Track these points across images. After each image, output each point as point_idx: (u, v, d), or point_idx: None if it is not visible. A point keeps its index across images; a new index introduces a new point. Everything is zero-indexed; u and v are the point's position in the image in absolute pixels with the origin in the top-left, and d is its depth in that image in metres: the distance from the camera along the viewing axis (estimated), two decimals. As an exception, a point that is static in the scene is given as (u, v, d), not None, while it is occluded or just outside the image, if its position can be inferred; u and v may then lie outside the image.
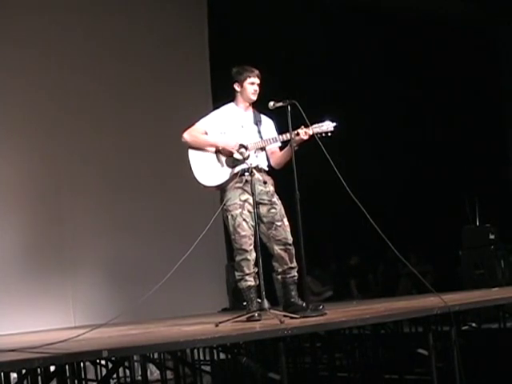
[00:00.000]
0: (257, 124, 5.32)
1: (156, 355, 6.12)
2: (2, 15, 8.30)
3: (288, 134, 5.08)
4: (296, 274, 5.17)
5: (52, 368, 4.31)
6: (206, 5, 9.93)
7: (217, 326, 4.70)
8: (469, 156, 11.29)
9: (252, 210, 5.02)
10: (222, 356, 5.94)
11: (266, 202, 5.19)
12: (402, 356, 5.79)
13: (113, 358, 4.31)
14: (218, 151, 5.27)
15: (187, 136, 5.30)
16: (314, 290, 11.06)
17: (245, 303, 5.21)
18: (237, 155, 5.16)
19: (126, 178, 8.97)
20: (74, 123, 8.68)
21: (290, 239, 5.18)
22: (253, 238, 5.08)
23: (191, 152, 5.29)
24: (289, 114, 4.94)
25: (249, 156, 5.14)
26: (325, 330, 5.22)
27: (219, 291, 9.22)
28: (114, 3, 9.19)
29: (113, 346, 3.68)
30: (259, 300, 4.92)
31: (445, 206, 10.91)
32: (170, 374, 6.49)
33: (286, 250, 5.17)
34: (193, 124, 5.35)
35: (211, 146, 5.26)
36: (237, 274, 5.21)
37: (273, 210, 5.19)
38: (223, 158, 5.25)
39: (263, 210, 5.17)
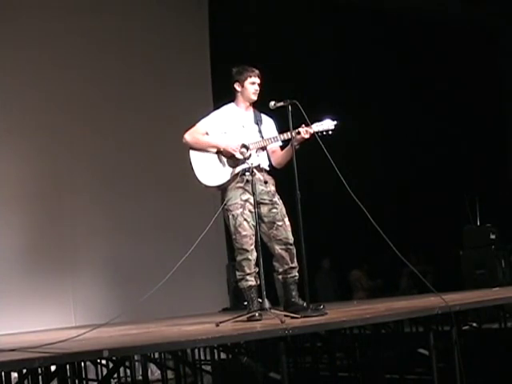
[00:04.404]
0: (257, 123, 5.32)
1: (157, 355, 6.13)
2: (2, 16, 8.30)
3: (289, 133, 5.08)
4: (297, 273, 5.18)
5: (53, 368, 4.31)
6: (206, 5, 9.94)
7: (217, 325, 4.70)
8: (469, 156, 11.29)
9: (253, 210, 5.02)
10: (223, 356, 5.93)
11: (266, 201, 5.19)
12: (402, 356, 5.78)
13: (113, 358, 4.30)
14: (219, 151, 5.27)
15: (188, 137, 5.30)
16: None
17: (245, 303, 5.22)
18: (238, 155, 5.16)
19: (126, 178, 8.97)
20: (74, 123, 8.69)
21: (291, 239, 5.18)
22: (254, 238, 5.08)
23: (192, 152, 5.29)
24: (289, 114, 4.93)
25: (250, 156, 5.14)
26: (325, 330, 5.21)
27: (220, 291, 9.23)
28: (113, 3, 9.19)
29: (113, 346, 3.67)
30: (260, 300, 4.92)
31: (445, 206, 10.91)
32: (170, 374, 6.50)
33: (286, 250, 5.17)
34: (193, 125, 5.35)
35: (213, 147, 5.25)
36: (238, 273, 5.21)
37: (274, 210, 5.19)
38: (224, 158, 5.25)
39: (264, 209, 5.17)
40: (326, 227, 10.62)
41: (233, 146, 5.18)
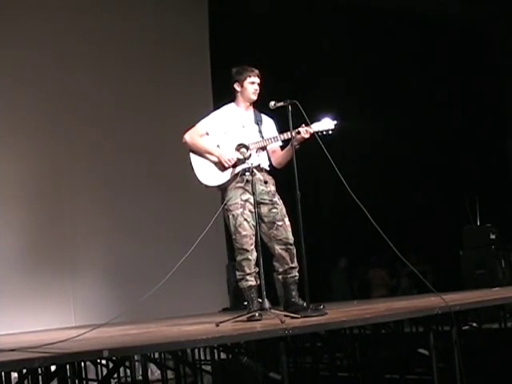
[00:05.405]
0: (258, 123, 5.31)
1: (157, 355, 6.12)
2: (2, 16, 8.30)
3: (289, 133, 5.07)
4: (297, 273, 5.17)
5: (53, 368, 4.31)
6: (206, 5, 9.94)
7: (217, 325, 4.70)
8: (469, 156, 11.29)
9: (253, 210, 5.02)
10: (223, 356, 5.93)
11: (267, 201, 5.19)
12: (402, 356, 5.78)
13: (113, 358, 4.29)
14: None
15: (188, 138, 5.30)
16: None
17: (245, 303, 5.21)
18: (227, 165, 5.15)
19: (126, 178, 8.97)
20: (73, 123, 8.69)
21: (291, 239, 5.18)
22: (254, 238, 5.08)
23: (193, 152, 5.29)
24: (289, 114, 4.93)
25: (250, 156, 5.14)
26: (325, 330, 5.20)
27: (220, 291, 9.23)
28: (114, 3, 9.19)
29: (113, 346, 3.67)
30: (260, 300, 4.92)
31: (445, 206, 10.91)
32: (170, 374, 6.50)
33: (286, 250, 5.17)
34: (193, 125, 5.35)
35: (208, 153, 5.25)
36: (238, 273, 5.21)
37: (274, 210, 5.19)
38: (224, 159, 5.25)
39: (264, 209, 5.17)
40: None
41: (226, 157, 5.17)
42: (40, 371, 5.03)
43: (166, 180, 9.10)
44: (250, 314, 4.89)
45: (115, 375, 6.24)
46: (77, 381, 5.42)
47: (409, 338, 6.20)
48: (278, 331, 4.01)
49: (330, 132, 5.19)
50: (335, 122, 5.22)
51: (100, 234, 8.73)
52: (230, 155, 5.18)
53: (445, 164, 11.37)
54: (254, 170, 4.99)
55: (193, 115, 5.57)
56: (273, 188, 5.27)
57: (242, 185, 5.16)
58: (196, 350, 6.36)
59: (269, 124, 5.40)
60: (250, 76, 5.27)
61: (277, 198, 5.24)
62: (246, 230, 5.12)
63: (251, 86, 5.28)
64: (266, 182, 5.17)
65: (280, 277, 5.20)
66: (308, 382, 6.21)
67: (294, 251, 5.17)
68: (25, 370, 4.61)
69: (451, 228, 9.51)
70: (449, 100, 11.43)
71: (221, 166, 5.21)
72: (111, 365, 4.93)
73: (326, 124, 5.21)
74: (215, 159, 5.23)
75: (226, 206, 5.19)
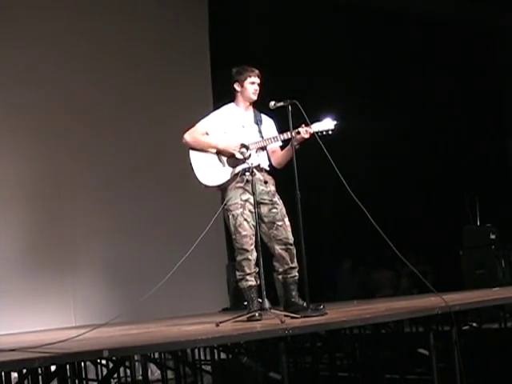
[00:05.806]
0: (257, 123, 5.32)
1: (157, 355, 6.13)
2: (2, 16, 8.30)
3: (289, 133, 5.08)
4: (297, 273, 5.18)
5: (53, 368, 4.31)
6: (206, 5, 9.94)
7: (217, 325, 4.70)
8: (469, 156, 11.29)
9: (253, 210, 5.02)
10: (223, 356, 5.93)
11: (267, 201, 5.19)
12: (402, 356, 5.78)
13: (113, 358, 4.30)
14: (219, 151, 5.27)
15: (188, 137, 5.30)
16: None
17: (245, 303, 5.22)
18: (238, 155, 5.16)
19: (126, 178, 8.97)
20: (74, 123, 8.69)
21: (291, 239, 5.19)
22: (254, 238, 5.08)
23: (192, 152, 5.29)
24: (289, 114, 4.94)
25: (250, 156, 5.14)
26: (325, 330, 5.21)
27: (220, 291, 9.22)
28: (114, 3, 9.19)
29: (113, 346, 3.67)
30: (260, 300, 4.92)
31: (445, 206, 10.91)
32: (170, 374, 6.50)
33: (286, 250, 5.17)
34: (193, 125, 5.35)
35: (212, 147, 5.26)
36: (238, 273, 5.22)
37: (274, 210, 5.19)
38: (224, 158, 5.25)
39: (264, 209, 5.18)
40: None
41: (232, 145, 5.18)
42: (40, 371, 5.03)
43: (166, 180, 9.10)
44: (250, 314, 4.89)
45: (115, 375, 6.24)
46: (77, 381, 5.42)
47: (409, 338, 6.20)
48: (278, 331, 4.02)
49: (330, 132, 5.20)
50: (335, 122, 5.23)
51: (100, 234, 8.72)
52: (235, 144, 5.17)
53: (445, 164, 11.36)
54: (254, 170, 5.00)
55: (193, 115, 5.57)
56: (273, 188, 5.27)
57: (241, 185, 5.16)
58: (196, 350, 6.36)
59: (269, 124, 5.40)
60: (250, 76, 5.28)
61: (277, 198, 5.25)
62: (246, 230, 5.12)
63: (251, 86, 5.28)
64: (265, 182, 5.18)
65: (280, 277, 5.21)
66: (308, 382, 6.21)
67: (294, 251, 5.17)
68: (25, 370, 4.61)
69: (451, 228, 9.50)
70: (449, 100, 11.42)
71: (228, 156, 5.18)
72: (111, 365, 4.93)
73: (326, 124, 5.22)
74: (215, 151, 5.20)
75: (225, 206, 5.19)
